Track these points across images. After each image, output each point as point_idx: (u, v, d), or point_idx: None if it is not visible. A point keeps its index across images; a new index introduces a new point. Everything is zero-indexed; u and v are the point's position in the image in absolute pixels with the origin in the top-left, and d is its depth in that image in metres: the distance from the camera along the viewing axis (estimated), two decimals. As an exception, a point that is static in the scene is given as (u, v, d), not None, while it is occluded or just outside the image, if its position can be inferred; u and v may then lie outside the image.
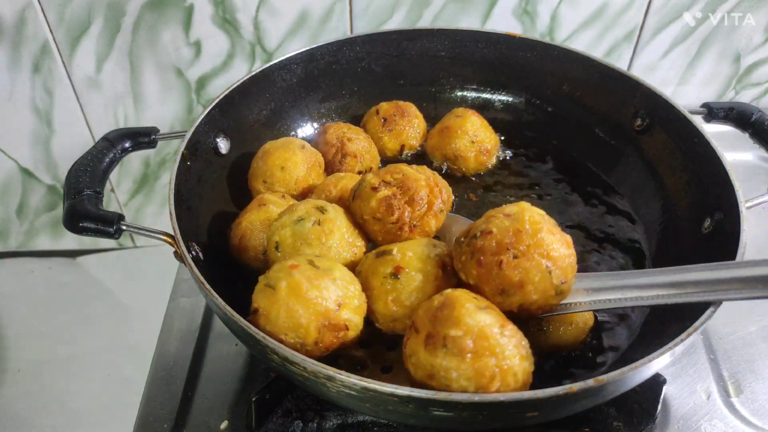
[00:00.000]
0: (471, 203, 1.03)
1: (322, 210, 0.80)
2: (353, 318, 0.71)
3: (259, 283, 0.73)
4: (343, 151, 1.01)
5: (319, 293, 0.69)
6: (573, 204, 1.03)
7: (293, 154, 0.95)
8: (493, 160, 1.08)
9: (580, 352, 0.83)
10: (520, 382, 0.64)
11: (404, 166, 0.84)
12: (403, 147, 1.09)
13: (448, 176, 1.05)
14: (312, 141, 1.05)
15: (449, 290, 0.68)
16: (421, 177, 0.82)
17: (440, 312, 0.65)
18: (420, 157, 1.10)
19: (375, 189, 0.80)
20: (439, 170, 1.06)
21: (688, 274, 0.70)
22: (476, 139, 1.05)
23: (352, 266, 0.79)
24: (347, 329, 0.70)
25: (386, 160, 1.09)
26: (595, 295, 0.74)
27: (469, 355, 0.62)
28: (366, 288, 0.75)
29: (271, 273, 0.72)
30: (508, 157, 1.11)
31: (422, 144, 1.11)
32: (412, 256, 0.74)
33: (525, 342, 0.66)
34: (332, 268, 0.72)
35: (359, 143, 1.03)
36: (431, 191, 0.81)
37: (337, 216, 0.81)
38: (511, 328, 0.65)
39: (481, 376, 0.61)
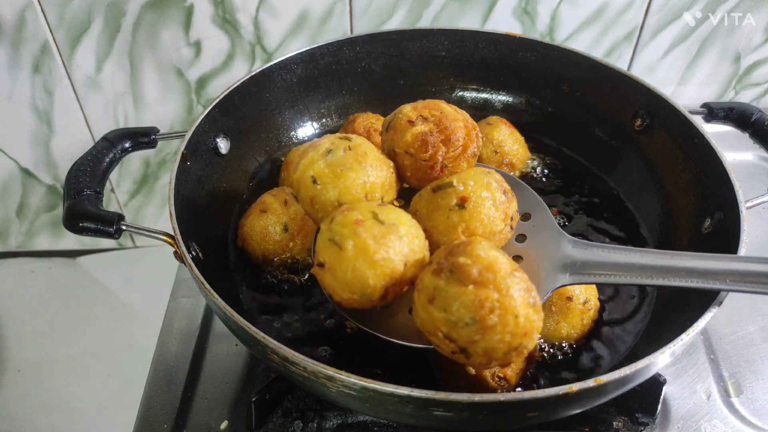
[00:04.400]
0: None
1: (347, 138, 0.77)
2: (418, 273, 0.69)
3: (321, 234, 0.70)
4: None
5: (387, 254, 0.66)
6: (572, 204, 1.03)
7: None
8: (517, 174, 1.05)
9: (580, 351, 0.83)
10: (521, 327, 0.61)
11: (443, 104, 0.80)
12: None
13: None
14: (338, 130, 1.05)
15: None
16: (460, 117, 0.79)
17: (456, 247, 0.65)
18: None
19: (411, 123, 0.77)
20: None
21: (684, 260, 0.69)
22: (500, 150, 1.02)
23: (391, 183, 0.77)
24: (412, 284, 0.69)
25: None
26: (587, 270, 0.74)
27: (472, 284, 0.61)
28: (428, 226, 0.73)
29: (335, 227, 0.68)
30: (537, 174, 1.08)
31: None
32: (474, 185, 0.73)
33: (536, 294, 0.64)
34: (398, 222, 0.69)
35: None
36: (468, 134, 0.78)
37: (363, 141, 0.78)
38: (522, 275, 0.64)
39: (480, 307, 0.60)
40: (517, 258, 0.79)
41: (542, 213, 0.82)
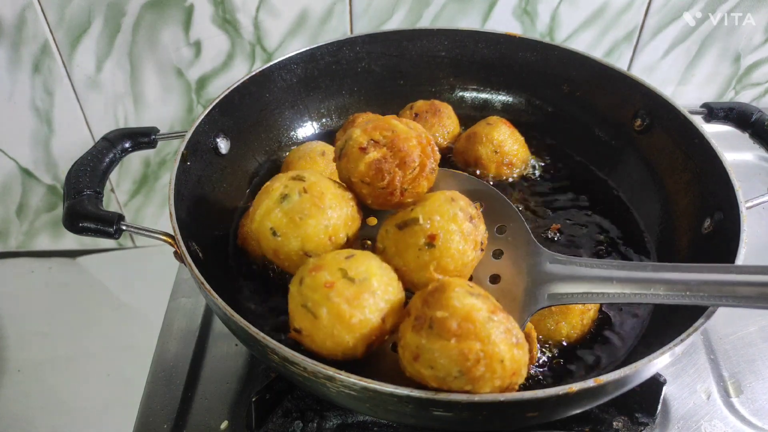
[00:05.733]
0: None
1: (299, 178, 0.74)
2: (398, 319, 0.68)
3: (292, 296, 0.68)
4: None
5: (363, 315, 0.65)
6: (572, 205, 1.03)
7: (314, 164, 0.97)
8: (517, 174, 1.05)
9: (580, 352, 0.83)
10: (509, 369, 0.62)
11: (394, 121, 0.76)
12: None
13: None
14: (338, 130, 1.06)
15: (446, 278, 0.67)
16: (413, 134, 0.75)
17: (431, 296, 0.64)
18: (446, 159, 1.08)
19: (363, 150, 0.73)
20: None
21: (684, 274, 0.68)
22: (500, 150, 1.02)
23: (353, 217, 0.75)
24: (393, 333, 0.69)
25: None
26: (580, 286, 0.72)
27: (453, 338, 0.61)
28: (398, 264, 0.72)
29: (305, 290, 0.67)
30: (537, 174, 1.08)
31: (451, 145, 1.10)
32: (441, 220, 0.70)
33: (517, 331, 0.64)
34: (369, 276, 0.67)
35: None
36: (423, 151, 0.74)
37: (318, 178, 0.74)
38: (501, 315, 0.63)
39: (465, 359, 0.60)
40: (495, 277, 0.79)
41: (517, 224, 0.80)
